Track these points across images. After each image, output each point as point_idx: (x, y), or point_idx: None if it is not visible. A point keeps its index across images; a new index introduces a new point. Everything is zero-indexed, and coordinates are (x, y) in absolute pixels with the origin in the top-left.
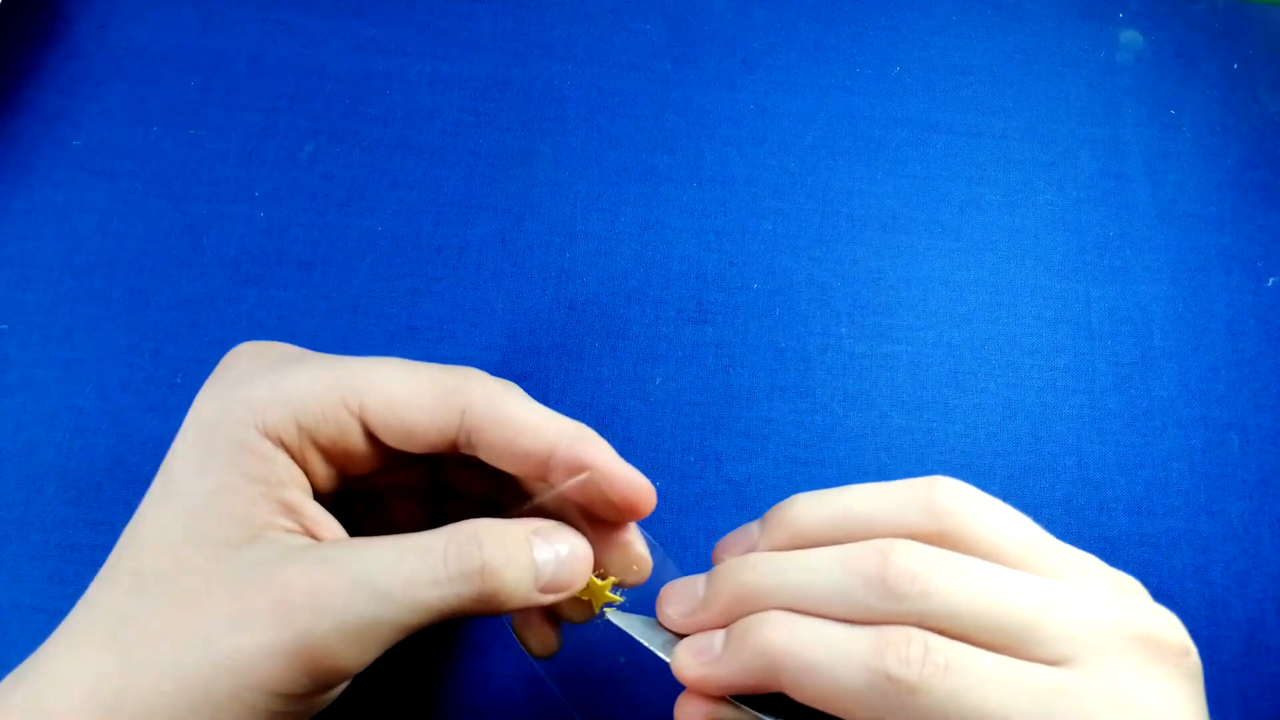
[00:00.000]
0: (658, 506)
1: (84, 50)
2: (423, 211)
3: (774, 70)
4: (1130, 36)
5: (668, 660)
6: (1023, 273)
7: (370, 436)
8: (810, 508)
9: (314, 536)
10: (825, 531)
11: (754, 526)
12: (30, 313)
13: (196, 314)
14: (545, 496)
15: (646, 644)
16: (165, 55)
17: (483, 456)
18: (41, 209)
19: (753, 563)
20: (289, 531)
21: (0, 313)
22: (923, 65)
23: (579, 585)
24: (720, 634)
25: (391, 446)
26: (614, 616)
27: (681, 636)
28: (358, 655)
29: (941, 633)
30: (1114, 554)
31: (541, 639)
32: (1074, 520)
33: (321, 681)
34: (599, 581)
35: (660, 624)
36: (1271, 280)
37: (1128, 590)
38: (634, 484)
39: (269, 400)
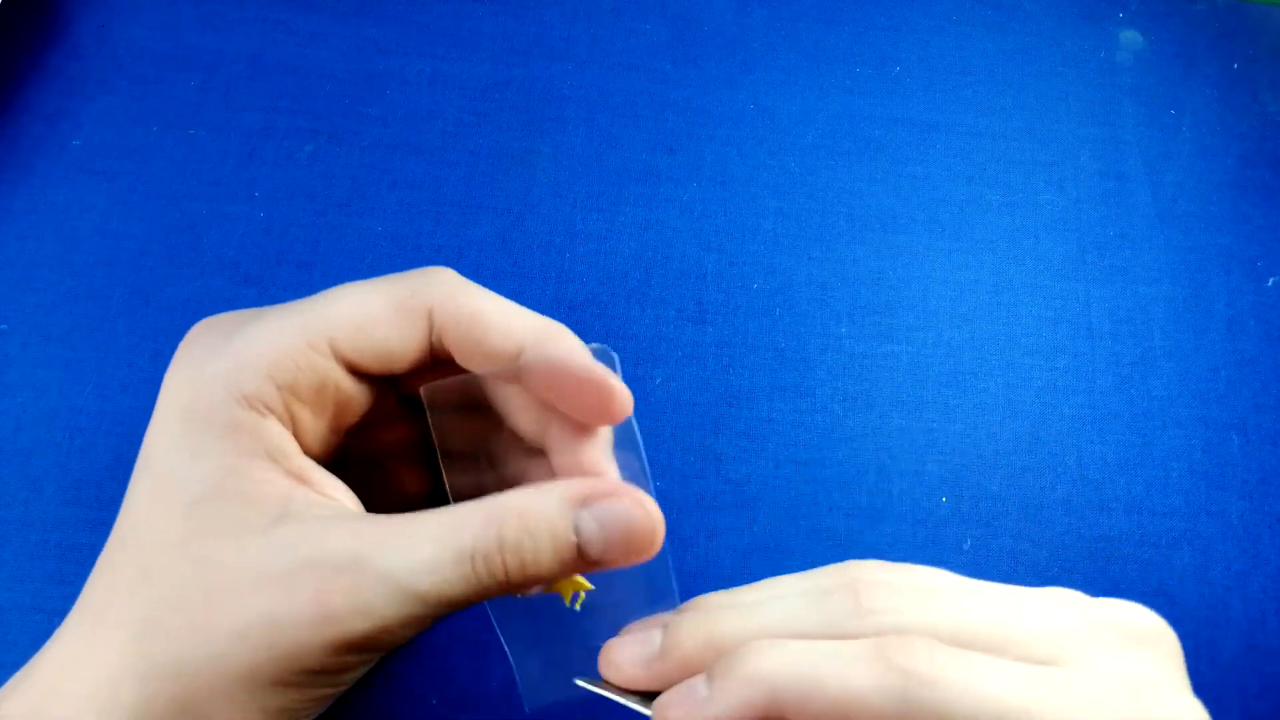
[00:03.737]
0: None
1: (84, 50)
2: (423, 211)
3: (774, 70)
4: (1130, 36)
5: (648, 714)
6: (1023, 273)
7: (351, 372)
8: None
9: (325, 498)
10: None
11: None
12: (30, 313)
13: (196, 314)
14: (485, 372)
15: (623, 702)
16: (165, 55)
17: (456, 359)
18: (42, 209)
19: (711, 603)
20: (309, 503)
21: (0, 313)
22: (923, 65)
23: (643, 555)
24: (699, 678)
25: (373, 372)
26: (581, 681)
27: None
28: (396, 642)
29: None
30: (1114, 554)
31: None
32: (1074, 520)
33: (363, 661)
34: (580, 580)
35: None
36: (1271, 280)
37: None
38: (603, 382)
39: (239, 367)
